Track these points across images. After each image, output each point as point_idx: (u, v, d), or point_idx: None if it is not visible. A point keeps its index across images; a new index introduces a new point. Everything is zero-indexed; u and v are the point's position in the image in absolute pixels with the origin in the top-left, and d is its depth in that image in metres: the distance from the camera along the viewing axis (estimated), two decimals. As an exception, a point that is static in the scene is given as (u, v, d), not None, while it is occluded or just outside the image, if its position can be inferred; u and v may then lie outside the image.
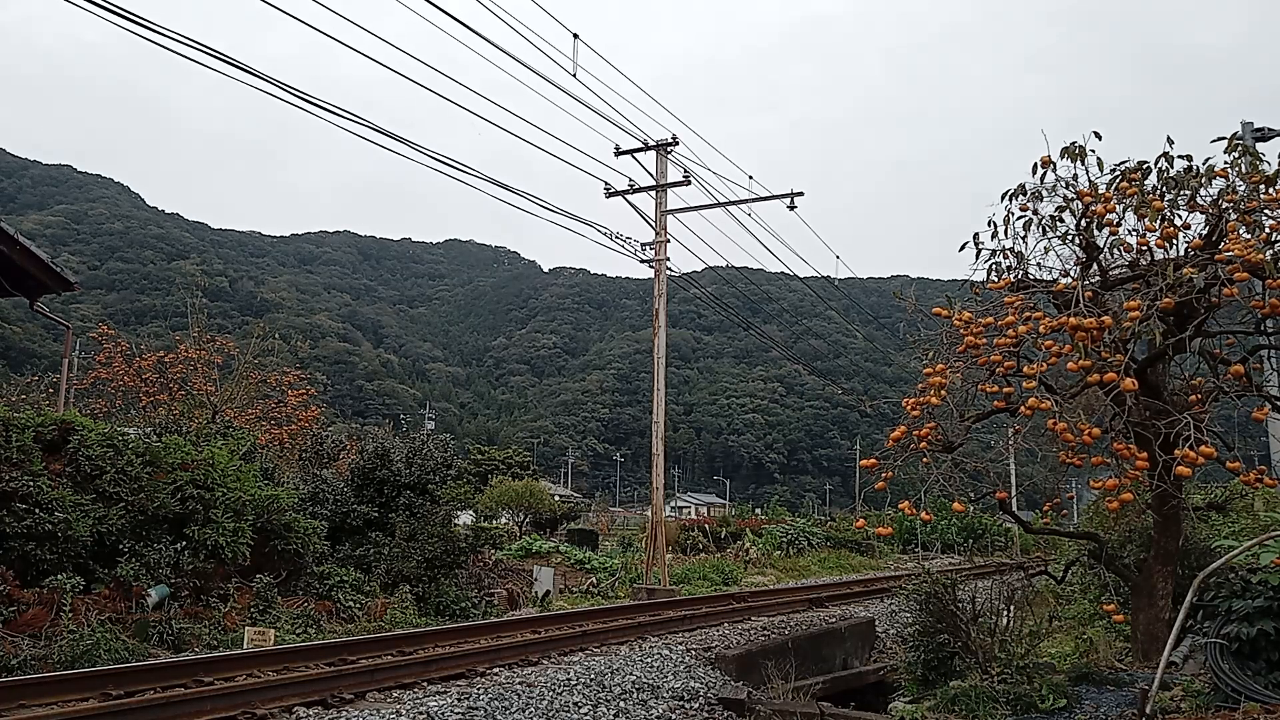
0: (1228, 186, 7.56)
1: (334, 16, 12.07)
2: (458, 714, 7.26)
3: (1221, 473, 8.99)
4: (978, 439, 9.87)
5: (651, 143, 20.87)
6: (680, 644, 11.16)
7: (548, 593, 18.24)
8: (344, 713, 7.20)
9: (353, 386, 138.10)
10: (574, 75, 16.82)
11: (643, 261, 21.17)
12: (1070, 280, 7.96)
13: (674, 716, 8.47)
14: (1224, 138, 7.73)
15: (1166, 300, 7.06)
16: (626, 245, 20.88)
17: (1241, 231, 7.27)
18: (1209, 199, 7.67)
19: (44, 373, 31.30)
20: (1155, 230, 7.65)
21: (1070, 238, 8.26)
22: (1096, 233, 8.09)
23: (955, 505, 7.87)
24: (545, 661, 9.85)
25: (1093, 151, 8.11)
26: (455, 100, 17.16)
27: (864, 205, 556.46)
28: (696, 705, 8.90)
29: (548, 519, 34.96)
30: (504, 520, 31.69)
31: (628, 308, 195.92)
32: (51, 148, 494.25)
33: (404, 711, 7.18)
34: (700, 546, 32.68)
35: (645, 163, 25.37)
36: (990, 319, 7.98)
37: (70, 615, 10.38)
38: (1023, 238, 8.39)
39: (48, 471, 11.73)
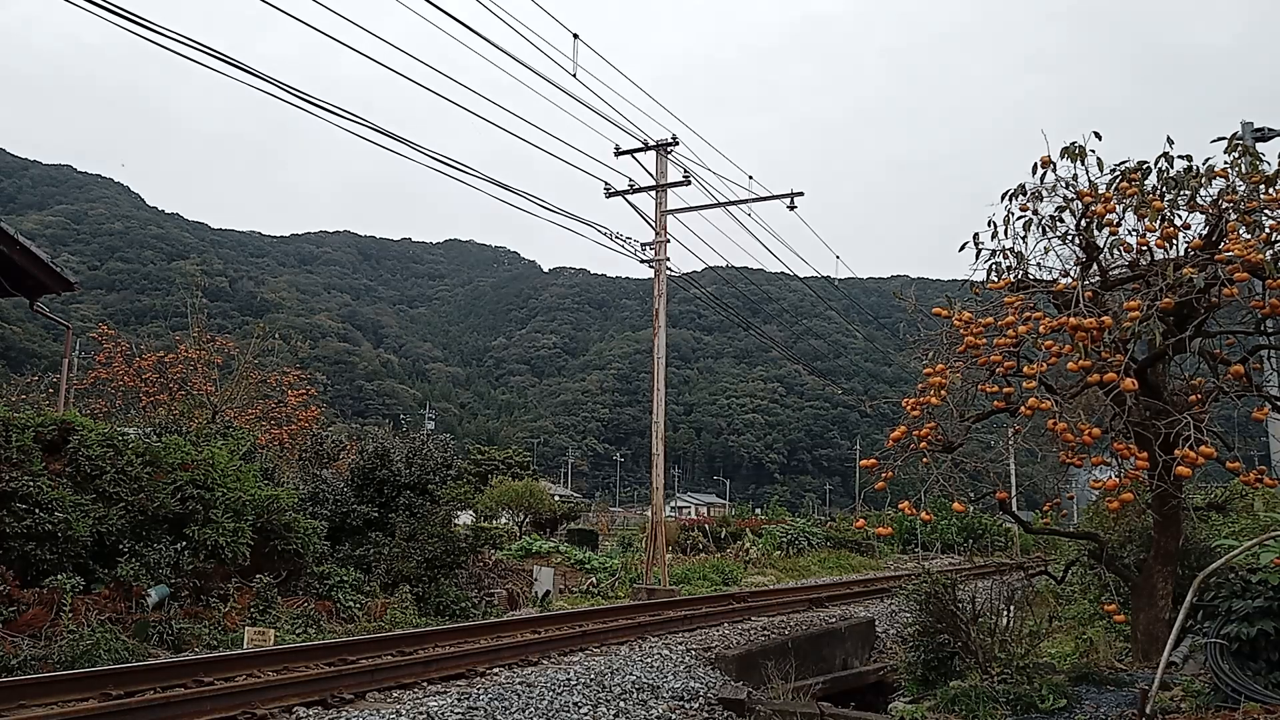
0: (1228, 186, 7.54)
1: (334, 16, 12.09)
2: (458, 714, 7.26)
3: (1221, 473, 8.98)
4: (978, 439, 9.86)
5: (651, 143, 20.87)
6: (680, 644, 11.16)
7: (548, 593, 18.24)
8: (344, 713, 7.21)
9: (353, 386, 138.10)
10: (574, 75, 16.84)
11: (643, 261, 21.20)
12: (1070, 280, 7.95)
13: (674, 716, 8.46)
14: (1224, 138, 7.72)
15: (1166, 300, 7.05)
16: (626, 245, 20.90)
17: (1241, 231, 7.25)
18: (1209, 199, 7.65)
19: (44, 373, 31.32)
20: (1155, 230, 7.64)
21: (1070, 238, 8.25)
22: (1096, 233, 8.07)
23: (955, 505, 7.85)
24: (545, 661, 9.86)
25: (1093, 152, 8.09)
26: (455, 100, 17.16)
27: (864, 205, 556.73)
28: (696, 705, 8.89)
29: (548, 519, 34.91)
30: (504, 520, 31.67)
31: (628, 308, 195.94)
32: (51, 148, 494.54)
33: (404, 711, 7.18)
34: (700, 546, 32.67)
35: (645, 163, 25.34)
36: (990, 319, 7.97)
37: (70, 615, 10.38)
38: (1023, 238, 8.36)
39: (48, 471, 11.72)
